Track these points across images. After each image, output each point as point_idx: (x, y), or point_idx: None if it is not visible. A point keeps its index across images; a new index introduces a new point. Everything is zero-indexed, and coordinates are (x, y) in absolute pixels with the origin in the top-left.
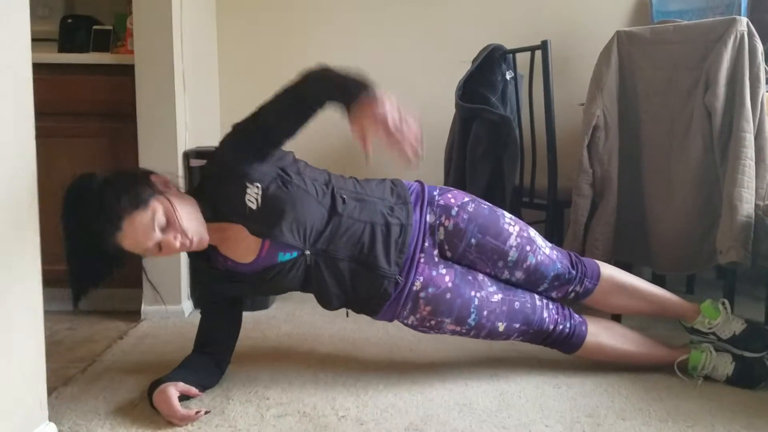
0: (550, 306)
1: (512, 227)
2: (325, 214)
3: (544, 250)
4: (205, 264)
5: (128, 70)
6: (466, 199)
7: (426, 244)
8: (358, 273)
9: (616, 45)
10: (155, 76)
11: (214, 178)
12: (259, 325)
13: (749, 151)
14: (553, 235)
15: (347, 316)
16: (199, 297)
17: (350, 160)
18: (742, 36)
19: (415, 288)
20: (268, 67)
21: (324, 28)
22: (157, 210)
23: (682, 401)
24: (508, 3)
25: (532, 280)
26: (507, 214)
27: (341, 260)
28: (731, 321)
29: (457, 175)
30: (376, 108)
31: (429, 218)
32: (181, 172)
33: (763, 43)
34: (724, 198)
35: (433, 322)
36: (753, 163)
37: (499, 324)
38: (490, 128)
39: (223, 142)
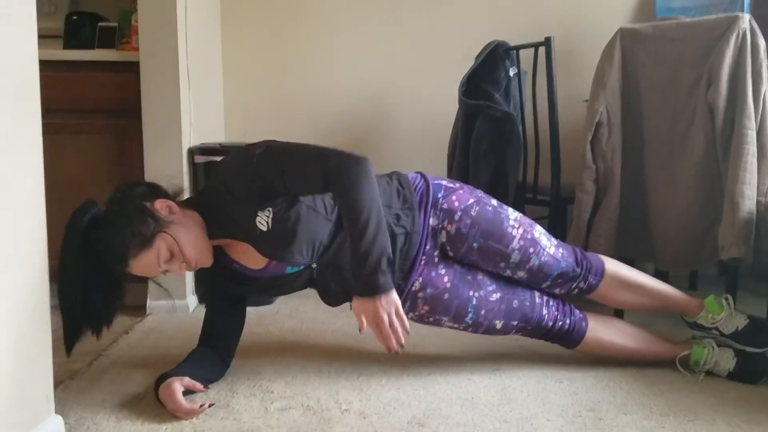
0: (551, 303)
1: (516, 230)
2: (332, 229)
3: (549, 250)
4: (212, 263)
5: (133, 67)
6: (471, 201)
7: (428, 246)
8: None
9: (619, 42)
10: (160, 73)
11: (223, 195)
12: (263, 320)
13: (751, 148)
14: (556, 232)
15: (351, 309)
16: (204, 293)
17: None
18: (745, 33)
19: (414, 288)
20: (271, 64)
21: (327, 25)
22: (161, 248)
23: (684, 396)
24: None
25: (535, 279)
26: (512, 215)
27: (346, 270)
28: (734, 316)
29: (460, 171)
30: (375, 312)
31: (432, 221)
32: (186, 168)
33: (766, 40)
34: (726, 194)
35: (431, 319)
36: (755, 160)
37: (497, 322)
38: (493, 124)
39: (236, 172)
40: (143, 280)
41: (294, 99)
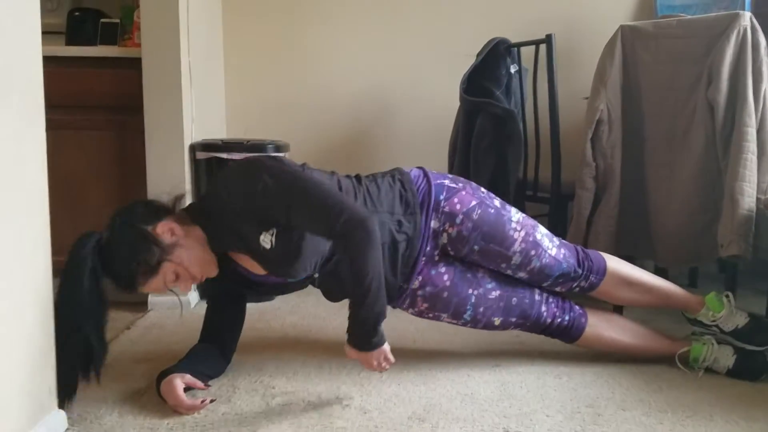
0: (550, 300)
1: (518, 233)
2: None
3: (550, 252)
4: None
5: (135, 64)
6: (473, 203)
7: (428, 248)
8: None
9: (620, 39)
10: (162, 69)
11: (226, 213)
12: (264, 316)
13: (751, 145)
14: (556, 229)
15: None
16: (205, 289)
17: (354, 150)
18: (745, 31)
19: (413, 286)
20: (273, 60)
21: (329, 23)
22: (167, 273)
23: (682, 392)
24: None
25: (536, 279)
26: (514, 218)
27: (346, 279)
28: (735, 314)
29: (461, 168)
30: (366, 360)
31: (433, 224)
32: (187, 165)
33: (766, 38)
34: (725, 192)
35: (430, 315)
36: (755, 157)
37: (495, 318)
38: (494, 122)
39: (240, 195)
40: None
41: (295, 95)
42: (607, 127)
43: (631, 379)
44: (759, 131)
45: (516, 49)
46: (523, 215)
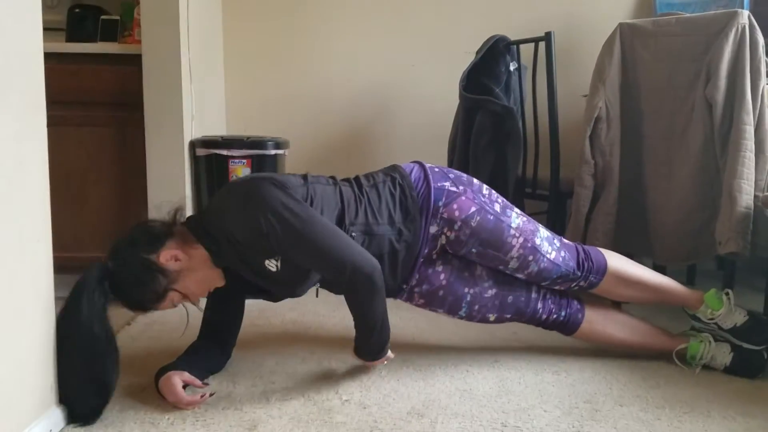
0: (547, 296)
1: (516, 239)
2: None
3: (549, 256)
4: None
5: (135, 60)
6: (472, 209)
7: (426, 250)
8: None
9: (619, 37)
10: (162, 66)
11: (229, 239)
12: (264, 312)
13: (749, 143)
14: (555, 226)
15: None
16: None
17: (353, 147)
18: (744, 29)
19: (411, 284)
20: (273, 57)
21: (329, 20)
22: (174, 297)
23: (680, 389)
24: None
25: (535, 280)
26: (514, 223)
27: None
28: (733, 312)
29: (461, 165)
30: (371, 365)
31: (432, 229)
32: (187, 161)
33: (765, 37)
34: (723, 189)
35: (426, 309)
36: (753, 155)
37: (490, 315)
38: (493, 119)
39: (241, 230)
40: None
41: (295, 92)
42: (606, 124)
43: (628, 375)
44: (757, 129)
45: (515, 46)
46: (525, 219)
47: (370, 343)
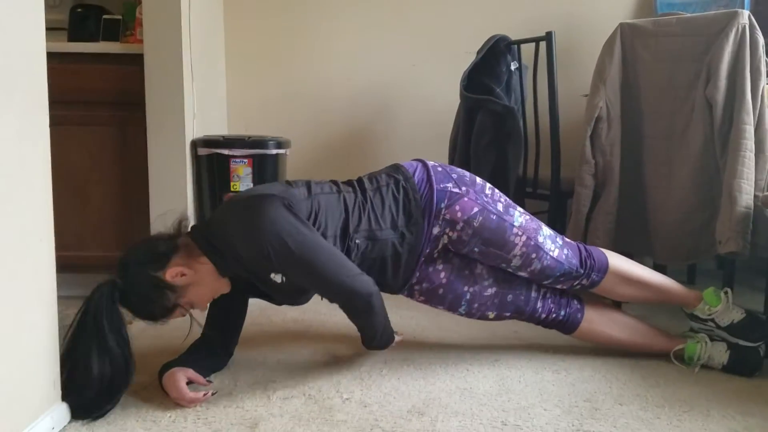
0: (547, 295)
1: (519, 237)
2: None
3: (552, 254)
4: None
5: (137, 60)
6: (474, 210)
7: (428, 250)
8: None
9: (620, 37)
10: (164, 66)
11: (235, 255)
12: (265, 311)
13: (749, 143)
14: (556, 226)
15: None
16: None
17: (354, 146)
18: (744, 29)
19: (412, 282)
20: (274, 56)
21: (330, 19)
22: (182, 309)
23: (679, 388)
24: None
25: (537, 278)
26: (516, 222)
27: None
28: (731, 310)
29: (462, 165)
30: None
31: (434, 230)
32: (188, 160)
33: (765, 36)
34: (723, 189)
35: (426, 305)
36: (753, 155)
37: (489, 313)
38: (494, 119)
39: (246, 252)
40: None
41: (296, 91)
42: (606, 124)
43: (628, 374)
44: (757, 129)
45: (516, 46)
46: (528, 218)
47: (373, 345)
